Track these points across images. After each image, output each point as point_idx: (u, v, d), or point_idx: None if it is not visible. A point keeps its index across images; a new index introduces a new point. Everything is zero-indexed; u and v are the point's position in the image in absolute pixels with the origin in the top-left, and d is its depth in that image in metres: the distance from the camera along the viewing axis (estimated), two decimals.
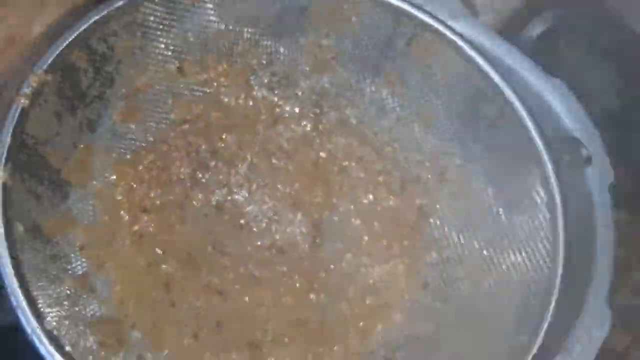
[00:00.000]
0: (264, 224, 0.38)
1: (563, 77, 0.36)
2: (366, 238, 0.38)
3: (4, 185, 0.28)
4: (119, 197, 0.35)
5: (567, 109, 0.35)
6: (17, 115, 0.30)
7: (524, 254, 0.34)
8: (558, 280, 0.31)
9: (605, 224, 0.34)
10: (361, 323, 0.35)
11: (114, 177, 0.35)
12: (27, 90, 0.30)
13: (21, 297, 0.27)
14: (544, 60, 0.36)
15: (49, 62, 0.32)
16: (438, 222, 0.37)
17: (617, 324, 0.36)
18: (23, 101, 0.30)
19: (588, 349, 0.31)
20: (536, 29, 0.41)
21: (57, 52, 0.32)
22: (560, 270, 0.32)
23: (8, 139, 0.29)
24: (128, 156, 0.36)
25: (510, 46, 0.36)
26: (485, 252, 0.35)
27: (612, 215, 0.34)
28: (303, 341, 0.34)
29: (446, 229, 0.37)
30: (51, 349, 0.27)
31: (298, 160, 0.39)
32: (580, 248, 0.33)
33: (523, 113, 0.35)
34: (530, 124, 0.35)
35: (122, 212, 0.35)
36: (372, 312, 0.35)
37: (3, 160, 0.29)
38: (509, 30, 0.40)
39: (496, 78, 0.36)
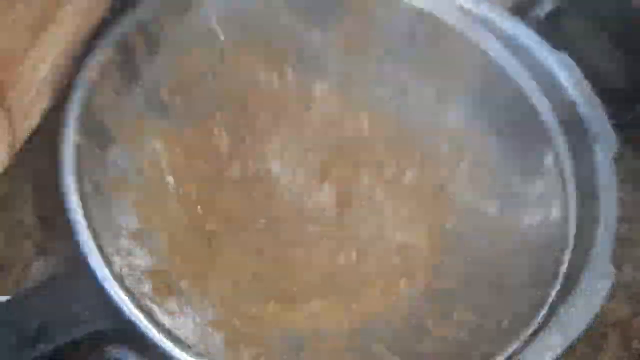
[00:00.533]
0: (295, 193, 0.41)
1: (570, 54, 0.38)
2: (390, 207, 0.42)
3: (77, 145, 0.32)
4: (165, 164, 0.39)
5: (573, 82, 0.37)
6: (86, 86, 0.34)
7: (537, 217, 0.37)
8: (570, 240, 0.35)
9: (609, 189, 0.36)
10: (386, 280, 0.38)
11: (163, 146, 0.39)
12: (94, 63, 0.34)
13: (93, 246, 0.31)
14: (552, 39, 0.38)
15: (113, 40, 0.36)
16: (456, 193, 0.41)
17: (621, 297, 0.40)
18: (91, 74, 0.34)
19: (591, 302, 0.34)
20: (544, 8, 0.43)
21: (120, 31, 0.36)
22: (572, 231, 0.35)
23: (78, 107, 0.33)
24: (174, 128, 0.40)
25: (519, 22, 0.38)
26: (501, 217, 0.39)
27: (615, 181, 0.36)
28: (334, 294, 0.37)
29: (464, 198, 0.41)
30: (120, 292, 0.30)
31: (327, 136, 0.43)
32: (586, 210, 0.36)
33: (536, 97, 0.39)
34: (543, 108, 0.38)
35: (168, 176, 0.38)
36: (396, 271, 0.39)
37: (76, 124, 0.33)
38: (518, 8, 0.43)
39: (512, 65, 0.39)
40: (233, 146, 0.42)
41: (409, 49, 0.42)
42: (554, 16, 0.43)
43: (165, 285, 0.34)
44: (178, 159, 0.40)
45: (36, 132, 0.36)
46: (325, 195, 0.42)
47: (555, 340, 0.33)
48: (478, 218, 0.40)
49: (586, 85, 0.37)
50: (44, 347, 0.31)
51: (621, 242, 0.37)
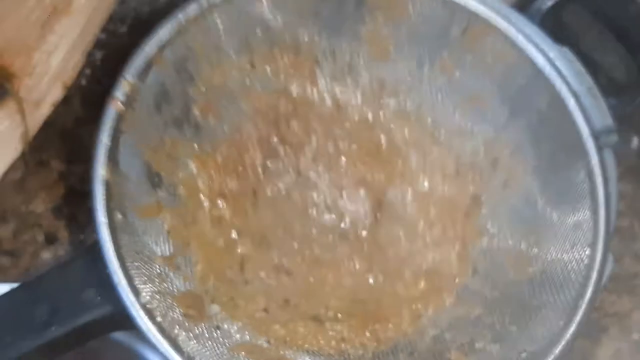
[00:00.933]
0: (328, 209, 0.42)
1: (571, 48, 0.37)
2: (422, 224, 0.42)
3: (107, 182, 0.33)
4: (200, 185, 0.40)
5: (574, 75, 0.37)
6: (113, 118, 0.35)
7: (566, 245, 0.37)
8: (595, 274, 0.34)
9: (610, 181, 0.36)
10: (414, 305, 0.39)
11: (196, 167, 0.40)
12: (120, 95, 0.35)
13: (122, 276, 0.33)
14: (553, 33, 0.38)
15: (138, 68, 0.36)
16: (489, 211, 0.40)
17: (621, 290, 0.40)
18: (119, 107, 0.35)
19: None
20: (546, 1, 0.42)
21: (144, 57, 0.36)
22: (597, 266, 0.34)
23: (107, 141, 0.34)
24: (208, 148, 0.40)
25: (520, 15, 0.37)
26: (531, 244, 0.38)
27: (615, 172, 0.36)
28: (361, 318, 0.38)
29: (496, 217, 0.40)
30: (146, 319, 0.32)
31: (361, 145, 0.42)
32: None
33: (571, 106, 0.36)
34: (578, 119, 0.36)
35: (202, 198, 0.39)
36: (425, 295, 0.40)
37: (105, 160, 0.34)
38: (520, 2, 0.42)
39: (547, 70, 0.37)
40: (266, 161, 0.42)
41: (441, 48, 0.40)
42: (555, 10, 0.42)
43: (196, 310, 0.36)
44: (213, 179, 0.41)
45: (47, 123, 0.37)
46: (359, 210, 0.42)
47: None
48: (509, 240, 0.39)
49: (588, 78, 0.37)
50: (55, 330, 0.32)
51: (622, 235, 0.38)
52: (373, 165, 0.42)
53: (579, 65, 0.37)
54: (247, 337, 0.37)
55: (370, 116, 0.43)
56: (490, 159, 0.41)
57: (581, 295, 0.34)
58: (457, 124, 0.41)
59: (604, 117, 0.36)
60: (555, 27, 0.39)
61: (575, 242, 0.36)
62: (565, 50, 0.37)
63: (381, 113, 0.43)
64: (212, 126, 0.41)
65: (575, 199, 0.37)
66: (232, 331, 0.37)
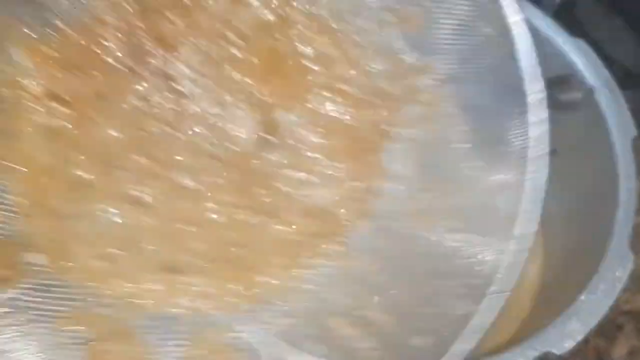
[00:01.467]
0: (204, 123, 0.33)
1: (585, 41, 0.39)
2: (317, 154, 0.34)
3: None
4: (31, 85, 0.30)
5: (590, 68, 0.37)
6: None
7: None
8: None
9: (628, 175, 0.36)
10: (294, 250, 0.31)
11: (30, 60, 0.29)
12: None
13: None
14: (566, 26, 0.39)
15: None
16: (398, 148, 0.34)
17: (635, 287, 0.40)
18: None
19: (611, 288, 0.34)
20: None
21: None
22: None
23: None
24: (50, 37, 0.30)
25: (536, 9, 0.38)
26: (442, 192, 0.32)
27: (634, 167, 0.36)
28: (227, 266, 0.30)
29: (407, 158, 0.34)
30: None
31: (254, 50, 0.33)
32: (603, 200, 0.36)
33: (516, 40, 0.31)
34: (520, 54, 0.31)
35: (33, 103, 0.29)
36: (308, 239, 0.32)
37: None
38: None
39: None
40: (131, 61, 0.32)
41: None
42: (568, 2, 0.44)
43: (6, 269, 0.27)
44: (51, 78, 0.31)
45: None
46: (242, 126, 0.34)
47: (574, 327, 0.33)
48: (418, 185, 0.33)
49: (604, 70, 0.38)
50: None
51: (635, 232, 0.37)
52: (265, 78, 0.34)
53: (594, 57, 0.38)
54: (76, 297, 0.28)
55: (271, 18, 0.33)
56: (410, 88, 0.33)
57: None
58: (378, 42, 0.33)
59: (620, 111, 0.36)
60: (568, 20, 0.40)
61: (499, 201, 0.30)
62: (580, 42, 0.38)
63: (286, 16, 0.33)
64: (58, 7, 0.30)
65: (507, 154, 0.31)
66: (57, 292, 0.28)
